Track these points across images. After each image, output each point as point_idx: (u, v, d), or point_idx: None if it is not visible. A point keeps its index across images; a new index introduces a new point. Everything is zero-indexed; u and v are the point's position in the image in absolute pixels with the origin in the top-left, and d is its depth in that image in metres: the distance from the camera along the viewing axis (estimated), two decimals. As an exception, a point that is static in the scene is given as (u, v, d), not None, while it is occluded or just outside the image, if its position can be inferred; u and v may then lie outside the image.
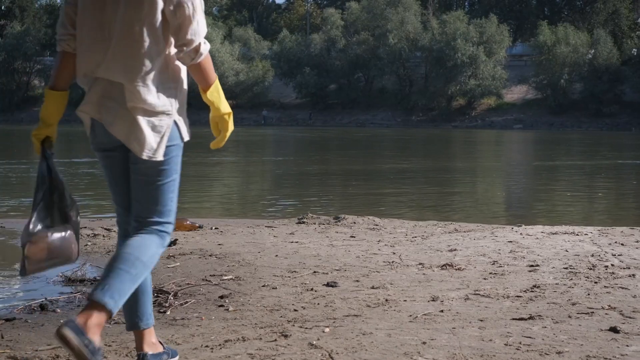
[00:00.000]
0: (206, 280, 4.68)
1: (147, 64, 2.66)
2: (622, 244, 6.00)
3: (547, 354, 3.10)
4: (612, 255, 5.48)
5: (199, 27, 2.65)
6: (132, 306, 2.86)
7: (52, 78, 2.77)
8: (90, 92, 2.71)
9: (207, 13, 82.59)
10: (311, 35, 70.25)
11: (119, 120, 2.67)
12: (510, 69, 62.77)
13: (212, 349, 3.18)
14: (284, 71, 66.70)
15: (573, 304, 3.97)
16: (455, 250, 5.74)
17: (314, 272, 4.89)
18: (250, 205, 11.16)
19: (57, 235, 2.70)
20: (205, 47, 2.67)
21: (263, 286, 4.47)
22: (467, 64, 60.64)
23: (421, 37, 62.86)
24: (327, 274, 4.84)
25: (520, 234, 6.59)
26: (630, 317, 3.72)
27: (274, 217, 8.86)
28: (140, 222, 2.77)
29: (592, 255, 5.43)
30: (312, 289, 4.36)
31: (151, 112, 2.68)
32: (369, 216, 8.01)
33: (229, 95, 67.25)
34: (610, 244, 6.02)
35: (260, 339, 3.32)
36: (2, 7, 75.02)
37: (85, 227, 6.98)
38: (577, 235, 6.51)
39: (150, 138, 2.67)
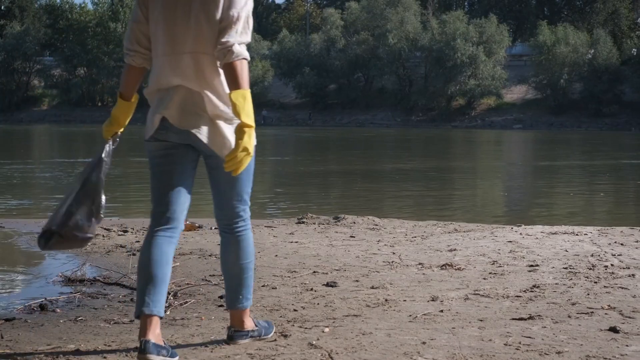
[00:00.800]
0: (206, 280, 4.68)
1: (218, 73, 2.95)
2: (621, 244, 6.00)
3: (547, 354, 3.10)
4: (612, 255, 5.48)
5: (236, 34, 2.87)
6: (148, 291, 2.96)
7: (121, 88, 3.10)
8: (170, 99, 2.97)
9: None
10: (311, 35, 70.20)
11: (204, 126, 2.97)
12: (509, 69, 62.73)
13: (211, 349, 3.18)
14: (284, 71, 66.64)
15: (573, 304, 3.97)
16: (455, 250, 5.74)
17: (314, 272, 4.89)
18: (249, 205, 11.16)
19: (86, 232, 2.98)
20: (240, 50, 2.86)
21: (263, 286, 4.47)
22: (467, 64, 60.60)
23: (421, 37, 62.82)
24: (326, 274, 4.84)
25: (520, 234, 6.59)
26: (629, 317, 3.72)
27: (273, 217, 8.86)
28: (231, 213, 3.16)
29: (592, 255, 5.43)
30: (311, 289, 4.36)
31: (228, 119, 2.98)
32: (369, 216, 8.01)
33: (229, 95, 67.30)
34: (609, 244, 6.02)
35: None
36: (2, 7, 74.96)
37: (85, 227, 6.97)
38: (577, 235, 6.51)
39: (231, 142, 2.95)
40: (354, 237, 6.60)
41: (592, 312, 3.81)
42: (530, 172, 18.93)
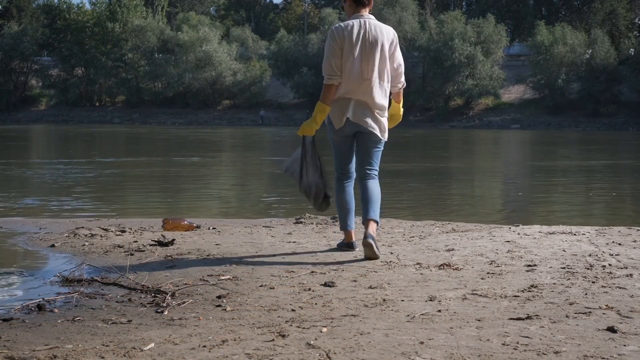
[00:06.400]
0: (204, 280, 4.68)
1: (386, 91, 5.33)
2: (619, 244, 6.00)
3: (545, 354, 3.11)
4: (610, 255, 5.48)
5: (403, 75, 5.46)
6: (348, 217, 5.49)
7: (325, 98, 5.21)
8: (350, 106, 5.27)
9: (205, 13, 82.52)
10: (308, 35, 70.20)
11: (369, 119, 5.30)
12: (507, 68, 62.79)
13: (209, 349, 3.18)
14: (282, 71, 66.64)
15: (570, 304, 3.98)
16: (452, 250, 5.73)
17: (312, 272, 4.89)
18: (247, 205, 11.17)
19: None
20: (404, 83, 5.50)
21: (260, 286, 4.47)
22: (465, 64, 60.62)
23: (419, 37, 62.83)
24: (324, 273, 4.84)
25: (518, 233, 6.59)
26: (627, 317, 3.72)
27: (271, 217, 8.86)
28: (365, 172, 5.43)
29: (590, 255, 5.43)
30: (309, 289, 4.36)
31: (381, 113, 5.35)
32: (367, 216, 7.98)
33: (227, 95, 67.23)
34: (607, 243, 6.02)
35: (258, 339, 3.32)
36: (0, 7, 74.89)
37: (83, 227, 6.98)
38: (575, 235, 6.50)
39: (385, 127, 5.39)
40: (351, 237, 6.58)
41: (590, 312, 3.81)
42: (527, 171, 18.95)
